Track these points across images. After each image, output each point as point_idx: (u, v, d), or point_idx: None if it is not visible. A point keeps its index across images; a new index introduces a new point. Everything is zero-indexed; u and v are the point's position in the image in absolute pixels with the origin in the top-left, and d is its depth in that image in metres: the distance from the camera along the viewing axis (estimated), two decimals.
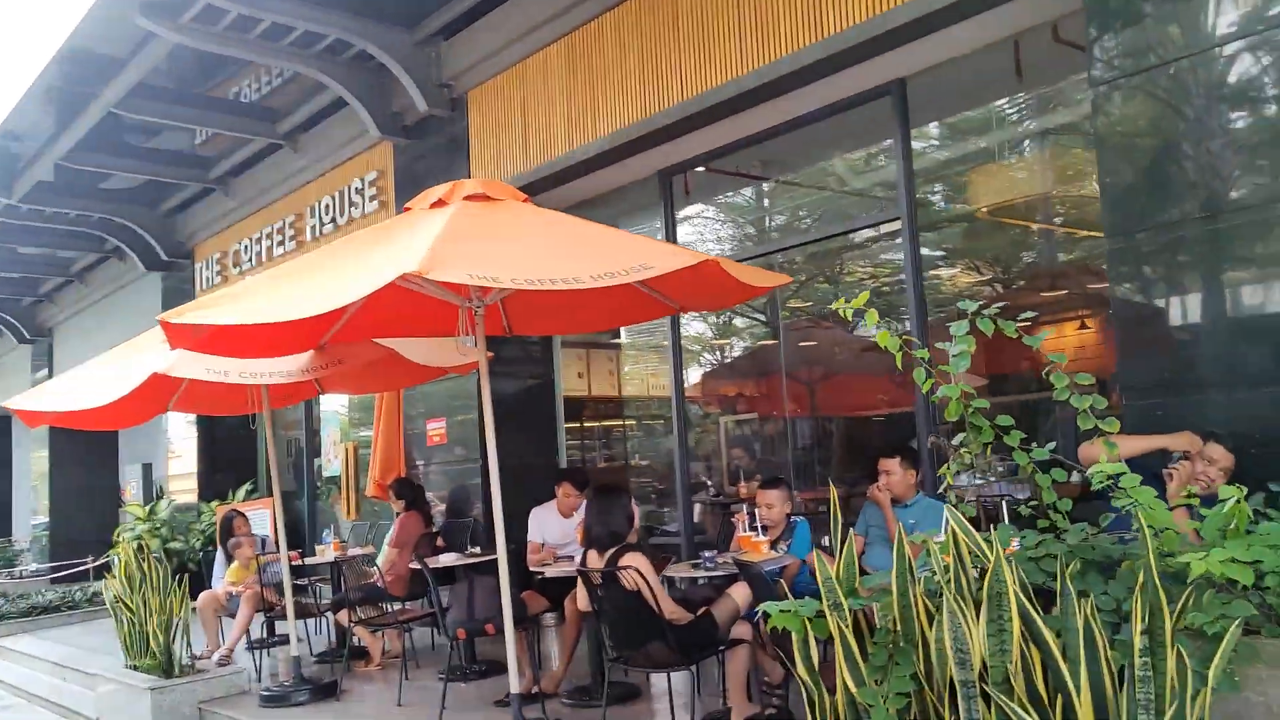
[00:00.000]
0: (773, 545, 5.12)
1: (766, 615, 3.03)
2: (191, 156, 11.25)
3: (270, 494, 12.06)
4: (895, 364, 3.32)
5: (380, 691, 6.47)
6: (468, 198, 4.48)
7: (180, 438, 13.18)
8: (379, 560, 7.26)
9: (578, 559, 5.40)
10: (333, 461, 11.31)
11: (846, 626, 2.91)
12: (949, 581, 2.72)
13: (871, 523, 5.20)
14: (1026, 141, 6.00)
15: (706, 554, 5.04)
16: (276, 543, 7.95)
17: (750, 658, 4.60)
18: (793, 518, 5.34)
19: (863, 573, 5.17)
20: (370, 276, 3.68)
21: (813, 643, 3.00)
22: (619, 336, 9.26)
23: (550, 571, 5.63)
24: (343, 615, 6.99)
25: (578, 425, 9.10)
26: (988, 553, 2.70)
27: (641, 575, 4.26)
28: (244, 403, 6.83)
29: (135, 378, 5.36)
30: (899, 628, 2.89)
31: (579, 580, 4.90)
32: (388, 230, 4.47)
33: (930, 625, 2.81)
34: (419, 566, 6.24)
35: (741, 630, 4.54)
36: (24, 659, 9.61)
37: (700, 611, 4.57)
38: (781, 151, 7.07)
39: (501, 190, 4.67)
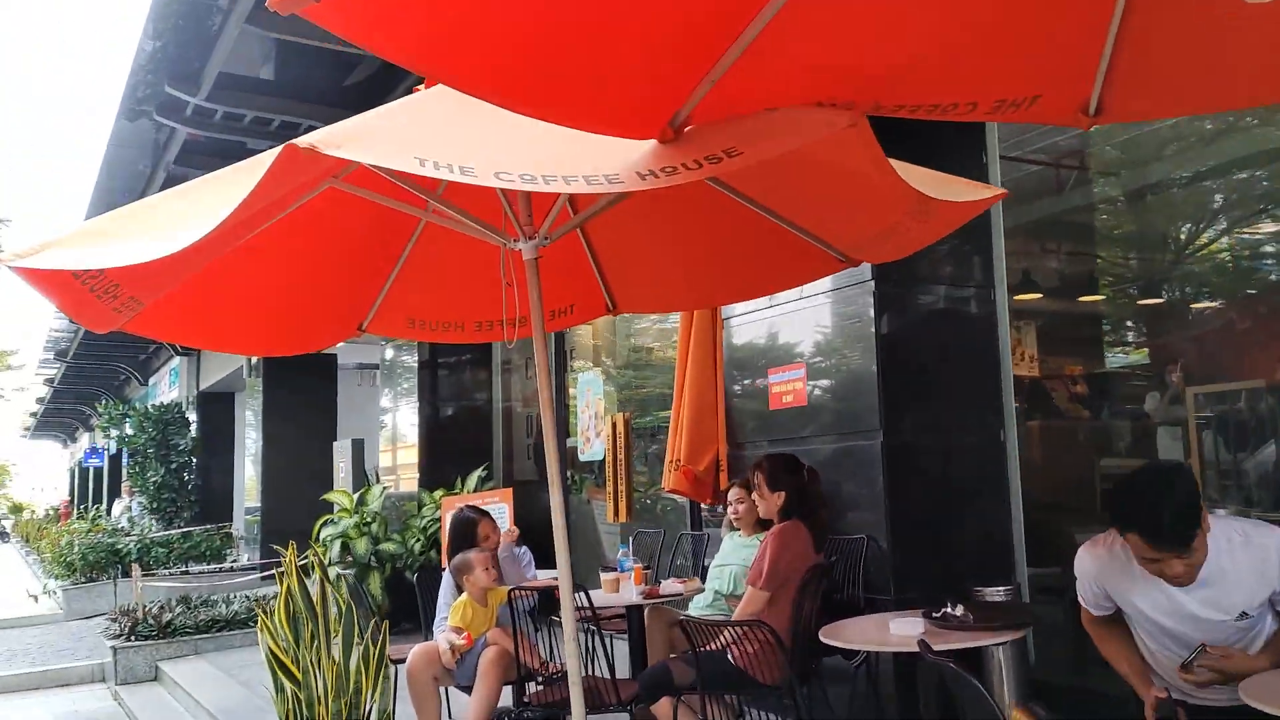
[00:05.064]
0: None
1: None
2: None
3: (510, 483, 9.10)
4: None
5: None
6: None
7: (398, 396, 10.46)
8: (715, 604, 3.89)
9: None
10: (593, 442, 8.16)
11: None
12: None
13: None
14: None
15: None
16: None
17: None
18: None
19: None
20: None
21: None
22: None
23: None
24: (664, 709, 3.65)
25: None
26: None
27: None
28: (482, 312, 3.71)
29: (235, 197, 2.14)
30: None
31: None
32: None
33: None
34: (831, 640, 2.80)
35: None
36: (182, 696, 6.92)
37: None
38: None
39: None
